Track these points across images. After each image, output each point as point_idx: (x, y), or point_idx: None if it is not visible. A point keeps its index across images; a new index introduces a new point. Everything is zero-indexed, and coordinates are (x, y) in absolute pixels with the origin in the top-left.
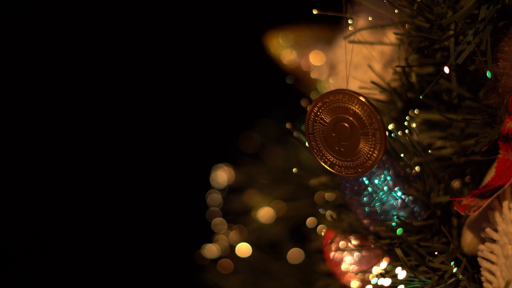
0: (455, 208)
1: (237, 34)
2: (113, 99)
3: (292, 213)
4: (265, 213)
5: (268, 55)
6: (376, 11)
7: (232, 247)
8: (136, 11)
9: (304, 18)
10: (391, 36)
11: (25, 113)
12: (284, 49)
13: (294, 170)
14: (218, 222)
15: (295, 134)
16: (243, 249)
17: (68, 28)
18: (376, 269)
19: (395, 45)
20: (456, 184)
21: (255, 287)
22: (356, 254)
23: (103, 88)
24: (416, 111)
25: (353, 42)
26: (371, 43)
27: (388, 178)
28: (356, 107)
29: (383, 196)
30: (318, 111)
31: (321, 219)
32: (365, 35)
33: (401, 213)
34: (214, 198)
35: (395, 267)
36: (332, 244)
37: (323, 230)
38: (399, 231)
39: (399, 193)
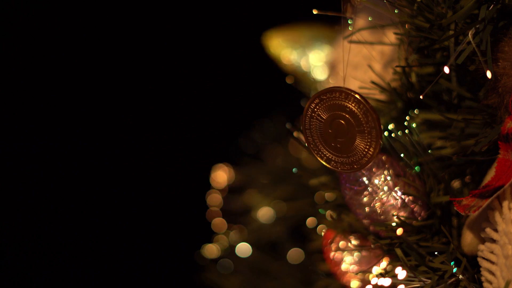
0: (455, 208)
1: (237, 34)
2: (113, 99)
3: (292, 213)
4: (265, 213)
5: (268, 55)
6: (376, 11)
7: (232, 247)
8: (136, 11)
9: (304, 18)
10: (391, 36)
11: (25, 113)
12: (284, 49)
13: (294, 170)
14: (218, 222)
15: (295, 134)
16: (243, 249)
17: (68, 28)
18: (376, 269)
19: (395, 45)
20: (456, 184)
21: (255, 287)
22: (356, 254)
23: (103, 88)
24: (416, 111)
25: (353, 42)
26: (371, 43)
27: (388, 178)
28: (353, 105)
29: (383, 196)
30: (315, 107)
31: (321, 219)
32: (365, 35)
33: (401, 213)
34: (214, 198)
35: (395, 267)
36: (332, 244)
37: (323, 230)
38: (399, 231)
39: (399, 193)
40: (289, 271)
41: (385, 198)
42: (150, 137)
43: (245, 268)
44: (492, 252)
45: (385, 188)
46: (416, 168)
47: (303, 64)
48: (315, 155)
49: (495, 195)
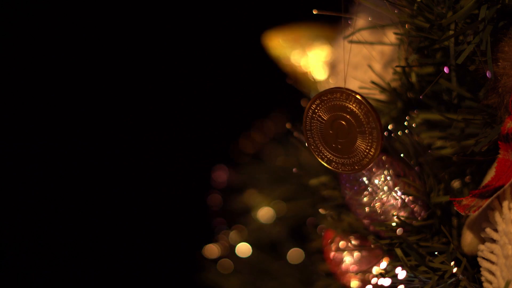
0: (455, 208)
1: (237, 34)
2: (113, 99)
3: (292, 213)
4: (265, 213)
5: (268, 55)
6: (376, 11)
7: (232, 247)
8: (136, 11)
9: (304, 18)
10: (391, 36)
11: (25, 113)
12: (284, 49)
13: (294, 170)
14: (218, 222)
15: (295, 134)
16: (243, 249)
17: (68, 28)
18: (376, 269)
19: (395, 45)
20: (456, 184)
21: (255, 287)
22: (356, 254)
23: (103, 88)
24: (416, 111)
25: (353, 42)
26: (371, 43)
27: (388, 178)
28: (354, 105)
29: (383, 196)
30: (316, 108)
31: (321, 219)
32: (365, 35)
33: (401, 213)
34: (214, 198)
35: (395, 267)
36: (332, 244)
37: (323, 230)
38: (399, 231)
39: (399, 193)
40: (289, 271)
41: (385, 198)
42: (150, 137)
43: (245, 268)
44: (492, 252)
45: (385, 188)
46: (416, 168)
47: (303, 64)
48: (316, 156)
49: (495, 195)
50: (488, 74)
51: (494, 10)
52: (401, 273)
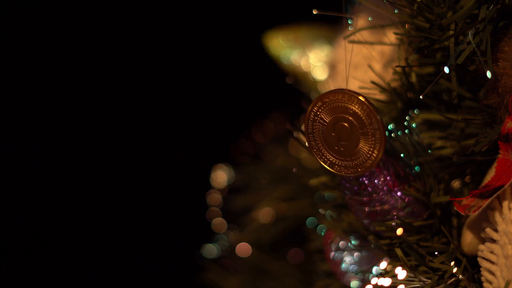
0: (455, 208)
1: (237, 34)
2: (113, 99)
3: (292, 213)
4: (265, 213)
5: (268, 55)
6: (376, 11)
7: (232, 247)
8: (136, 11)
9: (304, 18)
10: (391, 36)
11: (25, 113)
12: (284, 49)
13: (294, 170)
14: (218, 222)
15: (295, 134)
16: (243, 249)
17: (68, 28)
18: (376, 269)
19: (395, 45)
20: (456, 184)
21: (255, 287)
22: (356, 254)
23: (103, 88)
24: (416, 111)
25: (353, 42)
26: (371, 43)
27: (388, 178)
28: (356, 106)
29: (383, 196)
30: (317, 110)
31: (321, 219)
32: (365, 35)
33: (401, 213)
34: (214, 198)
35: (395, 267)
36: (332, 244)
37: (323, 230)
38: (399, 231)
39: (399, 193)
40: (289, 271)
41: (385, 198)
42: (150, 137)
43: (245, 268)
44: (492, 252)
45: (385, 188)
46: (416, 168)
47: (303, 64)
48: (319, 159)
49: (495, 195)
50: (488, 74)
51: (494, 10)
52: (401, 273)
